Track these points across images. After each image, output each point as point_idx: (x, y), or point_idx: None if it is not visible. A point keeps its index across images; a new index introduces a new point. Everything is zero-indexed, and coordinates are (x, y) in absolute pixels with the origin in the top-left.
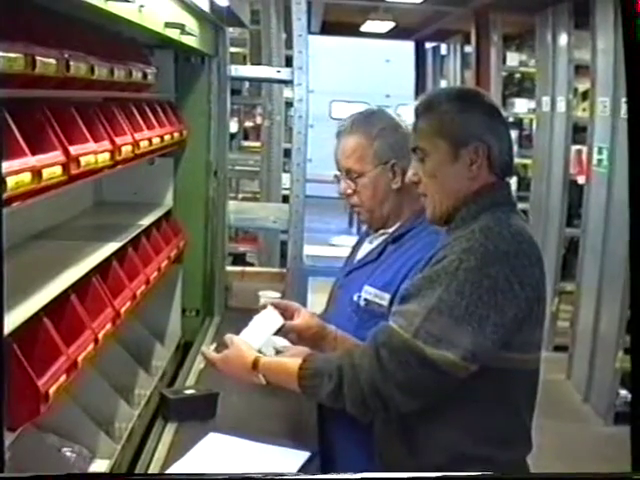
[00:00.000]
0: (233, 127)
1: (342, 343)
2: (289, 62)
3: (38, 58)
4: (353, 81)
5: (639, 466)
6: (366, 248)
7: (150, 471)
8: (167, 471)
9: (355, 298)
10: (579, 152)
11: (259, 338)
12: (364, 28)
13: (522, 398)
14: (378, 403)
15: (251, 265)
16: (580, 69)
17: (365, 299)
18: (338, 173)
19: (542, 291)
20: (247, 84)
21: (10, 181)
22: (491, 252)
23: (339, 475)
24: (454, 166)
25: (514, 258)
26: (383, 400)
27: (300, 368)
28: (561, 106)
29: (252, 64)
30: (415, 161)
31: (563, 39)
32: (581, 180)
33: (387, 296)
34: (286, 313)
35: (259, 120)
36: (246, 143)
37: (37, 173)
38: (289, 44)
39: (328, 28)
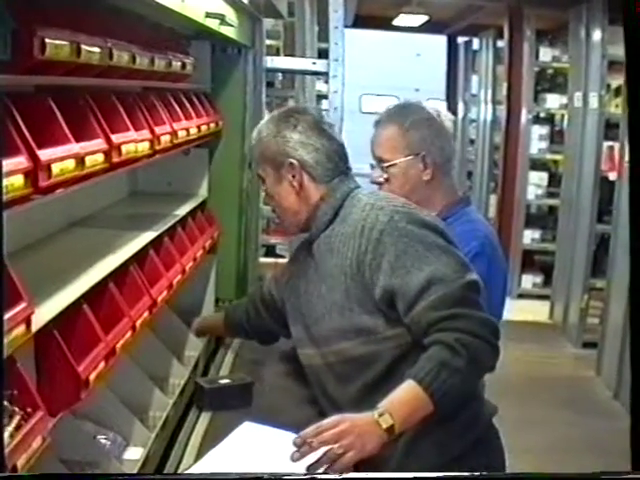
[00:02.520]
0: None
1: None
2: (322, 55)
3: (83, 46)
4: (383, 75)
5: (639, 466)
6: None
7: (185, 460)
8: (201, 460)
9: None
10: (611, 148)
11: None
12: (397, 22)
13: None
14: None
15: (281, 257)
16: (613, 65)
17: None
18: (373, 162)
19: None
20: (280, 76)
21: (55, 168)
22: (401, 210)
23: (340, 475)
24: (282, 186)
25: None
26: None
27: (420, 382)
28: (593, 102)
29: (286, 56)
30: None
31: (597, 34)
32: (612, 177)
33: None
34: None
35: None
36: None
37: (80, 160)
38: (322, 37)
39: (361, 21)
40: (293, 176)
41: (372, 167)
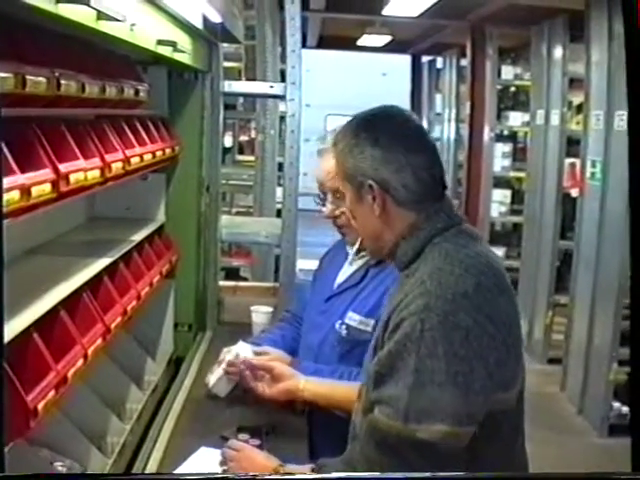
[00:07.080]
0: (228, 141)
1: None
2: (285, 76)
3: (28, 77)
4: (349, 94)
5: (639, 466)
6: (346, 272)
7: None
8: None
9: (337, 326)
10: (573, 165)
11: None
12: (361, 42)
13: (509, 436)
14: None
15: (245, 280)
16: (574, 82)
17: (348, 326)
18: (322, 195)
19: (513, 319)
20: (242, 99)
21: None
22: (450, 300)
23: (337, 475)
24: (362, 207)
25: (476, 296)
26: None
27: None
28: (555, 119)
29: (247, 79)
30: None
31: (558, 52)
32: (575, 193)
33: (372, 322)
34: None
35: (254, 134)
36: (241, 157)
37: (26, 191)
38: (285, 58)
39: (325, 42)
40: (374, 198)
41: (322, 202)
